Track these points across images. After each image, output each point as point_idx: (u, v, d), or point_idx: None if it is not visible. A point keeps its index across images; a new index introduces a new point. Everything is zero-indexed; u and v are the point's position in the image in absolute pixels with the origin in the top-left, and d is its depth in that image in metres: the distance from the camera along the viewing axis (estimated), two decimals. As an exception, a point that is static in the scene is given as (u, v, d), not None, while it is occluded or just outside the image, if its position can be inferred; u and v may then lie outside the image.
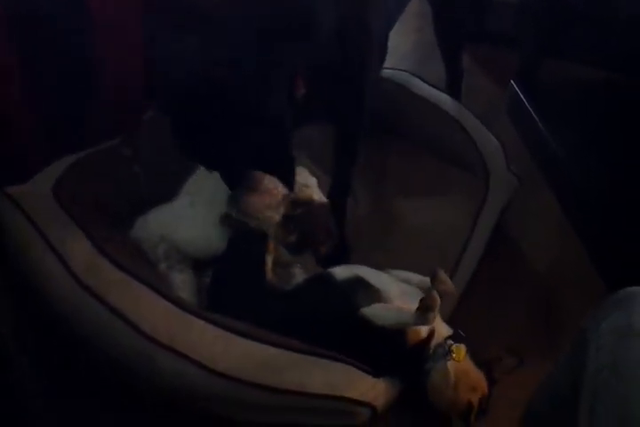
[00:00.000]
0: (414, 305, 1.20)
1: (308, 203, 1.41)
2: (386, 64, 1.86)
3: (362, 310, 1.24)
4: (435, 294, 1.19)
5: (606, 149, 1.87)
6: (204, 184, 1.46)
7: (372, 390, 1.21)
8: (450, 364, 1.21)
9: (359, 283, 1.30)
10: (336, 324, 1.26)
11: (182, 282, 1.40)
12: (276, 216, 1.30)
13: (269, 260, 1.39)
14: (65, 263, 1.23)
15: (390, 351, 1.23)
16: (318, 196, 1.45)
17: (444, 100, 1.82)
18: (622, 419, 0.74)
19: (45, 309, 1.23)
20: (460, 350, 1.23)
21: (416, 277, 1.33)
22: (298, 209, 1.39)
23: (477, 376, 1.23)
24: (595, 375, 0.81)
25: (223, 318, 1.22)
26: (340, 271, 1.34)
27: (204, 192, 1.46)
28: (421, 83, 1.86)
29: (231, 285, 1.36)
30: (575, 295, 1.54)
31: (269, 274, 1.38)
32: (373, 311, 1.24)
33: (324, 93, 1.29)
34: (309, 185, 1.43)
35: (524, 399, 1.13)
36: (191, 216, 1.45)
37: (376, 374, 1.22)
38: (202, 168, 1.44)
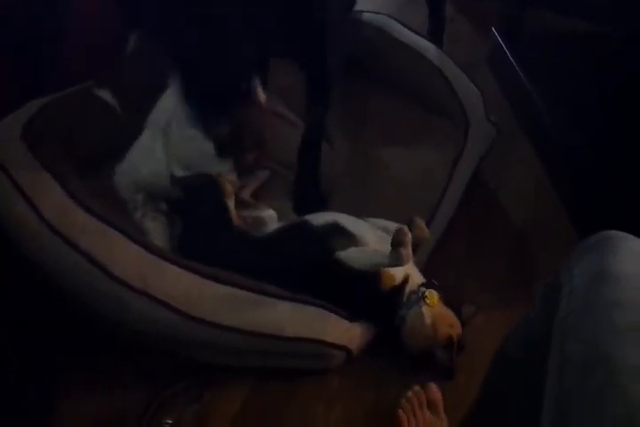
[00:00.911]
0: (391, 252, 1.21)
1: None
2: (367, 8, 1.82)
3: (337, 254, 1.25)
4: (405, 228, 1.22)
5: (586, 100, 1.85)
6: (161, 116, 1.43)
7: (347, 333, 1.22)
8: (424, 308, 1.23)
9: (336, 229, 1.31)
10: (312, 268, 1.26)
11: (155, 230, 1.39)
12: None
13: (231, 204, 1.37)
14: (36, 209, 1.20)
15: (365, 295, 1.24)
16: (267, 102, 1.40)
17: (425, 46, 1.77)
18: (591, 361, 0.74)
19: (20, 256, 1.21)
20: (432, 296, 1.25)
21: (393, 225, 1.32)
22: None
23: (452, 316, 1.26)
24: (566, 318, 0.81)
25: (197, 264, 1.22)
26: (317, 218, 1.34)
27: (160, 123, 1.43)
28: (402, 28, 1.81)
29: (200, 233, 1.35)
30: (550, 244, 1.55)
31: (236, 220, 1.37)
32: (348, 254, 1.25)
33: (286, 30, 1.24)
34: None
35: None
36: (153, 150, 1.43)
37: (351, 318, 1.24)
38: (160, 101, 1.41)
